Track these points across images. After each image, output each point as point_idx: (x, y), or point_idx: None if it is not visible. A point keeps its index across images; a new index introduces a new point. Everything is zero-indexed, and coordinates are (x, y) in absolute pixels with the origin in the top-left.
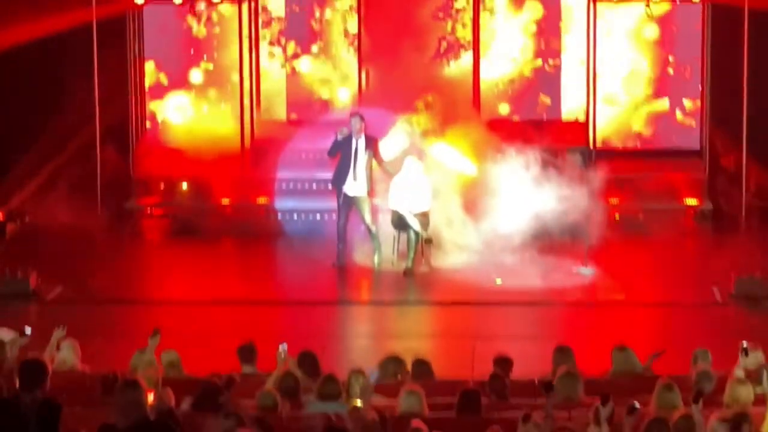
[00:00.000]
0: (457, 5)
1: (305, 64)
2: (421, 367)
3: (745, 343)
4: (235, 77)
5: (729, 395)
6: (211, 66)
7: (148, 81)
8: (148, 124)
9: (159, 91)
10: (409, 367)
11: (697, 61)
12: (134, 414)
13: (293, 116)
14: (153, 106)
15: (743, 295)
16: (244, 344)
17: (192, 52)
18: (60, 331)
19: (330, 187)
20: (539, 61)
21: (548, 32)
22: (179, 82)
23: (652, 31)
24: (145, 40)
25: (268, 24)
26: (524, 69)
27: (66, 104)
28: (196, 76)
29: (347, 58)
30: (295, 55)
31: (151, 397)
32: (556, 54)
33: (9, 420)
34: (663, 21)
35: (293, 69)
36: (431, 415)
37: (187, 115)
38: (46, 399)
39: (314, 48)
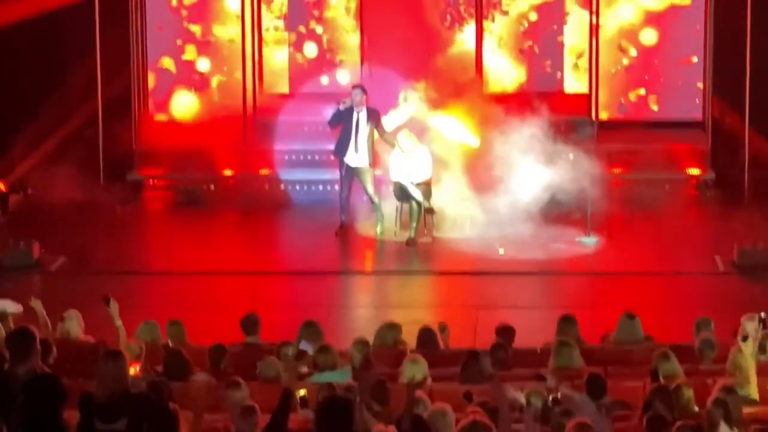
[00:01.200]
0: None
1: (308, 37)
2: (427, 335)
3: (763, 314)
4: (238, 50)
5: (731, 363)
6: (213, 38)
7: (151, 53)
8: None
9: (160, 62)
10: (404, 334)
11: (699, 31)
12: (113, 386)
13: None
14: (155, 78)
15: (746, 265)
16: (247, 315)
17: (194, 25)
18: (35, 301)
19: (333, 157)
20: (542, 33)
21: (552, 3)
22: (181, 54)
23: (655, 2)
24: (147, 12)
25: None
26: (527, 40)
27: (69, 76)
28: (198, 48)
29: (349, 30)
30: (298, 30)
31: (133, 369)
32: (560, 25)
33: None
34: None
35: (296, 42)
36: (434, 385)
37: (190, 87)
38: (41, 373)
39: (317, 27)
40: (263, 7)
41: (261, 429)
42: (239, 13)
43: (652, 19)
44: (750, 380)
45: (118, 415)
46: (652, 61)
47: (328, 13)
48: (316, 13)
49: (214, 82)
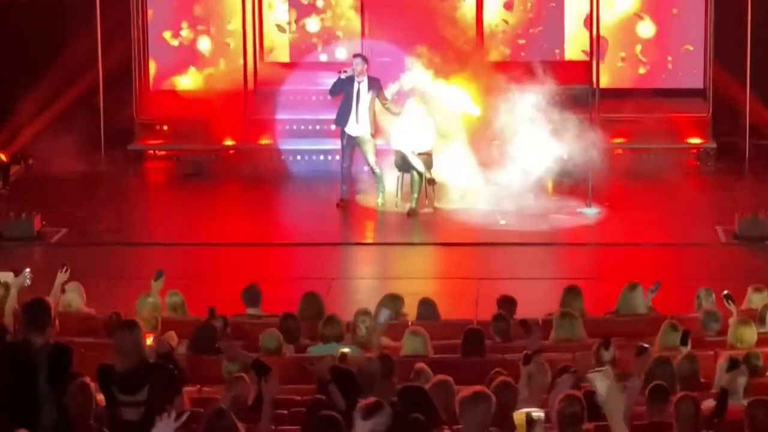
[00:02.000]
0: None
1: (308, 6)
2: (427, 306)
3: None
4: (238, 19)
5: (732, 335)
6: (213, 8)
7: (151, 24)
8: (151, 67)
9: (161, 34)
10: (406, 305)
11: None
12: (132, 356)
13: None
14: (156, 49)
15: (746, 235)
16: (249, 287)
17: None
18: (63, 274)
19: (333, 127)
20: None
21: None
22: (181, 24)
23: None
24: None
25: None
26: (527, 9)
27: (69, 47)
28: (198, 18)
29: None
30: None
31: (150, 340)
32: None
33: (21, 364)
34: None
35: (296, 11)
36: (435, 357)
37: (190, 57)
38: (57, 343)
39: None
40: None
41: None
42: None
43: None
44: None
45: (139, 385)
46: (654, 30)
47: None
48: None
49: (215, 52)
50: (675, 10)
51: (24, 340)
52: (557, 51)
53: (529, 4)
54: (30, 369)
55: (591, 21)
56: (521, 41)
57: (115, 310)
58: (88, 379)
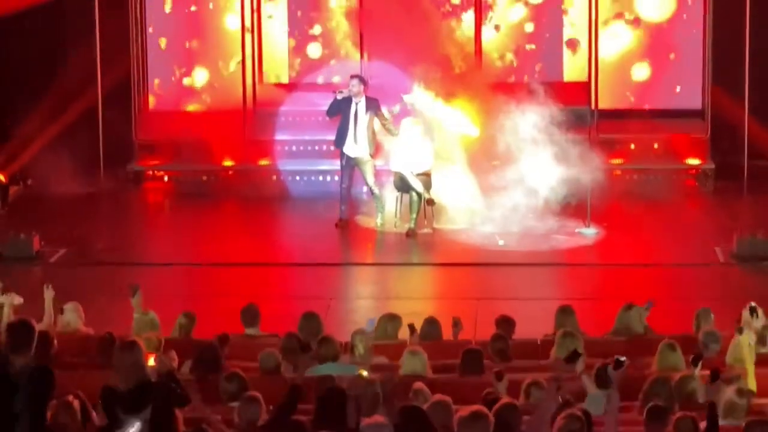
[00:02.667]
0: None
1: (308, 27)
2: (431, 327)
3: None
4: (237, 40)
5: (731, 355)
6: (213, 28)
7: (150, 43)
8: (152, 85)
9: (161, 53)
10: (404, 325)
11: (699, 20)
12: (134, 376)
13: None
14: (155, 68)
15: (745, 256)
16: (247, 306)
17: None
18: (48, 290)
19: (333, 148)
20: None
21: None
22: (180, 43)
23: None
24: (147, 2)
25: None
26: (527, 29)
27: (68, 67)
28: (198, 38)
29: (349, 19)
30: (298, 21)
31: (152, 360)
32: (559, 13)
33: None
34: None
35: (295, 32)
36: (434, 377)
37: (190, 77)
38: (38, 365)
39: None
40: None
41: (264, 420)
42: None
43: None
44: (748, 372)
45: (142, 405)
46: (652, 50)
47: (328, 3)
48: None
49: (214, 71)
50: (672, 55)
51: (4, 360)
52: (557, 69)
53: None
54: (7, 389)
55: (590, 42)
56: (521, 62)
57: (109, 330)
58: (71, 398)
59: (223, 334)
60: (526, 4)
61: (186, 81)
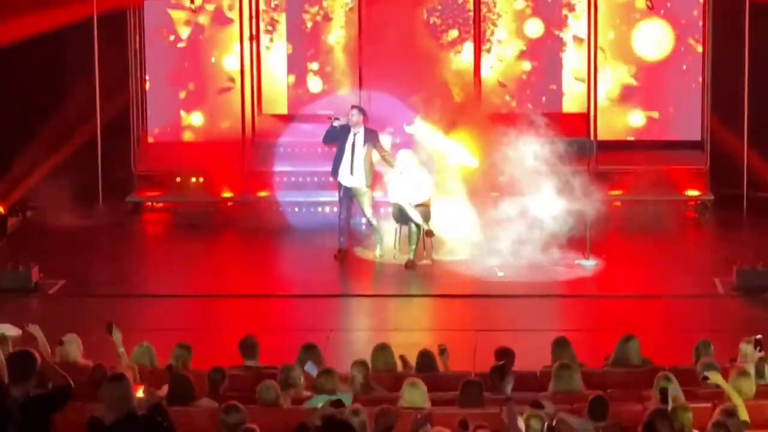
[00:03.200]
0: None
1: (307, 59)
2: (425, 358)
3: (759, 336)
4: (236, 72)
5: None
6: (212, 60)
7: (149, 75)
8: (151, 117)
9: (160, 86)
10: (397, 357)
11: (698, 52)
12: (121, 408)
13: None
14: (154, 100)
15: (745, 287)
16: (245, 338)
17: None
18: (33, 327)
19: (332, 179)
20: (541, 54)
21: (550, 23)
22: (179, 75)
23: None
24: (146, 34)
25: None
26: (526, 60)
27: (67, 99)
28: (196, 69)
29: (348, 51)
30: (297, 52)
31: (140, 392)
32: (559, 45)
33: None
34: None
35: (294, 63)
36: (434, 408)
37: (188, 108)
38: (36, 395)
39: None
40: (261, 27)
41: None
42: (238, 35)
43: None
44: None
45: None
46: (651, 82)
47: (328, 35)
48: (314, 38)
49: (213, 104)
50: (672, 63)
51: (4, 391)
52: (556, 101)
53: (527, 57)
54: (2, 419)
55: (589, 74)
56: (519, 94)
57: (109, 362)
58: None
59: (218, 368)
60: (525, 36)
61: (185, 113)
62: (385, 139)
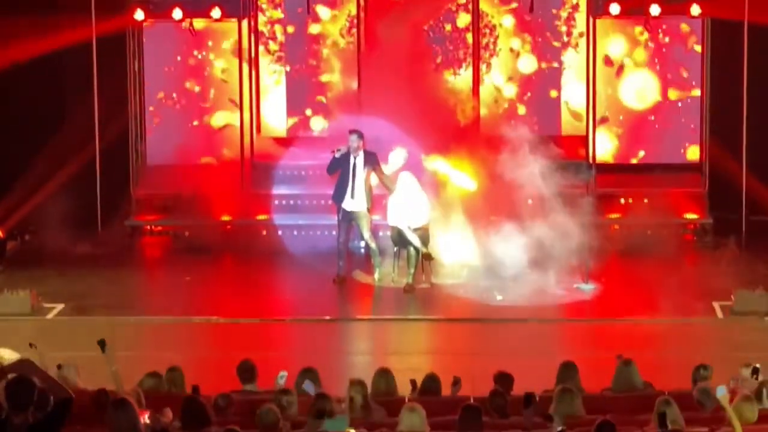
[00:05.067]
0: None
1: (305, 81)
2: (432, 383)
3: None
4: (235, 94)
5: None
6: (210, 82)
7: (148, 98)
8: (149, 140)
9: (159, 109)
10: (401, 380)
11: (696, 75)
12: None
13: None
14: (153, 123)
15: (744, 311)
16: (243, 362)
17: (191, 69)
18: (33, 350)
19: (331, 203)
20: (540, 76)
21: (548, 48)
22: (178, 98)
23: (651, 47)
24: (145, 57)
25: (267, 44)
26: (524, 86)
27: (66, 122)
28: (195, 92)
29: (345, 74)
30: (294, 73)
31: (146, 417)
32: (557, 71)
33: None
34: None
35: (293, 86)
36: None
37: (187, 132)
38: (37, 421)
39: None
40: (260, 50)
41: None
42: (237, 57)
43: (649, 63)
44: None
45: None
46: (650, 106)
47: (326, 57)
48: (313, 62)
49: (212, 126)
50: (671, 85)
51: (5, 418)
52: (555, 124)
53: (524, 81)
54: None
55: (587, 97)
56: (517, 116)
57: (102, 386)
58: None
59: (224, 395)
60: (523, 56)
61: (185, 135)
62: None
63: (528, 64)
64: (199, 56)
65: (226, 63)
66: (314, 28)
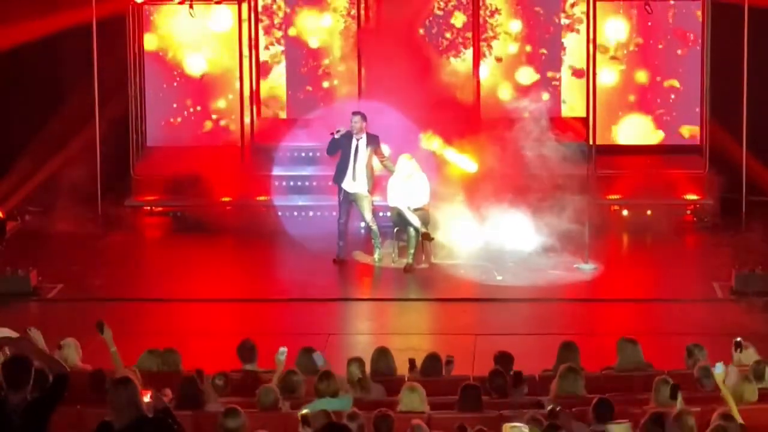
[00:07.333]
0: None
1: (306, 62)
2: (433, 362)
3: (739, 339)
4: (235, 75)
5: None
6: (210, 63)
7: (148, 79)
8: (149, 121)
9: (160, 88)
10: (398, 360)
11: (696, 58)
12: (130, 412)
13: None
14: (153, 104)
15: (743, 291)
16: (244, 342)
17: (192, 50)
18: (34, 331)
19: (332, 184)
20: (539, 58)
21: (548, 28)
22: (178, 79)
23: (651, 29)
24: (144, 38)
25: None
26: (524, 66)
27: (66, 102)
28: (195, 73)
29: (347, 57)
30: (295, 56)
31: (148, 396)
32: (557, 51)
33: None
34: (662, 18)
35: (293, 67)
36: (432, 413)
37: (187, 112)
38: (35, 398)
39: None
40: (260, 31)
41: None
42: (237, 38)
43: (651, 46)
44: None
45: None
46: (650, 86)
47: (326, 39)
48: (313, 43)
49: (211, 107)
50: (671, 67)
51: (2, 397)
52: (555, 105)
53: (525, 62)
54: (4, 425)
55: (587, 78)
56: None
57: (108, 366)
58: None
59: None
60: (524, 40)
61: (184, 116)
62: (385, 148)
63: (528, 45)
64: (200, 36)
65: (226, 45)
66: (314, 9)
